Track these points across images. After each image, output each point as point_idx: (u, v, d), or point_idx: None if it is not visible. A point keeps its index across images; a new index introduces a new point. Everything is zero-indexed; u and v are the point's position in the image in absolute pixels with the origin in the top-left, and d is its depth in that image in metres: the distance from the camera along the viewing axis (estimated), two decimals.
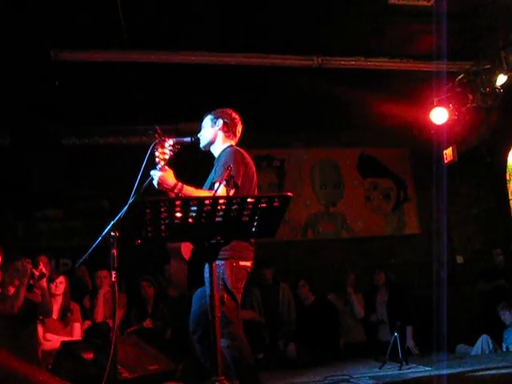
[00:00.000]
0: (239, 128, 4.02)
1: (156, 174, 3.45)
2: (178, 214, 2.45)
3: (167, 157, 3.45)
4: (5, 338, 4.92)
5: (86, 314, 6.41)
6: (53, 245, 7.66)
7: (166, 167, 3.46)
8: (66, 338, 5.61)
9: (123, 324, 6.35)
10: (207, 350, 3.58)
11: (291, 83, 6.83)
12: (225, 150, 3.83)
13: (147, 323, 6.44)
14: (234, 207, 2.46)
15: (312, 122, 8.11)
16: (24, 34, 5.43)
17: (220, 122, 3.93)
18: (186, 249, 3.40)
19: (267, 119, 7.53)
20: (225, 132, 3.94)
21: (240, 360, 3.46)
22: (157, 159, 3.43)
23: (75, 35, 5.60)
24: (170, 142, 3.46)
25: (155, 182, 3.47)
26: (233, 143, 3.95)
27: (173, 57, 6.09)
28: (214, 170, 3.78)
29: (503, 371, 4.74)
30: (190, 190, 3.48)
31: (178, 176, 3.53)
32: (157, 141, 3.44)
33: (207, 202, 2.47)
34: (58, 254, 7.53)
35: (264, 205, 2.48)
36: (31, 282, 5.15)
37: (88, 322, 6.28)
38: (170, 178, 3.47)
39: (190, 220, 2.48)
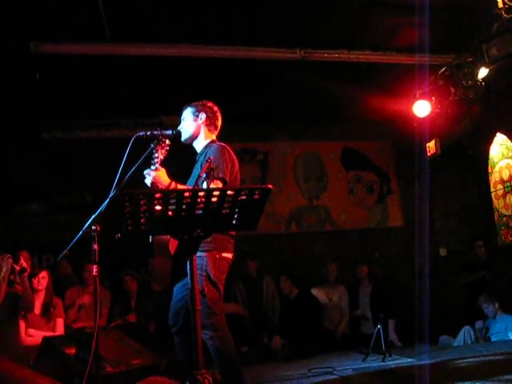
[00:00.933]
0: (220, 121, 4.01)
1: (150, 174, 3.46)
2: (158, 207, 2.43)
3: (162, 157, 3.46)
4: None
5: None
6: (35, 240, 7.59)
7: (160, 167, 3.46)
8: (49, 334, 5.56)
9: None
10: (184, 344, 3.60)
11: (275, 76, 6.83)
12: (210, 145, 3.83)
13: (131, 318, 6.42)
14: (213, 200, 2.44)
15: (295, 115, 8.12)
16: (3, 25, 5.36)
17: (203, 116, 3.91)
18: (173, 244, 3.39)
19: (250, 112, 7.53)
20: (207, 126, 3.92)
21: (223, 351, 3.46)
22: (155, 159, 3.44)
23: (56, 27, 5.53)
24: (168, 141, 3.45)
25: (148, 181, 3.48)
26: (214, 137, 3.94)
27: (155, 50, 6.05)
28: (199, 165, 3.76)
29: (484, 359, 4.80)
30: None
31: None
32: (157, 141, 3.43)
33: (187, 194, 2.45)
34: (40, 249, 7.47)
35: (244, 197, 2.47)
36: (12, 277, 5.10)
37: None
38: (164, 177, 3.49)
39: (170, 213, 2.46)
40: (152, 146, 3.45)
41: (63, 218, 7.81)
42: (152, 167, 3.45)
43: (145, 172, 3.48)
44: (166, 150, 3.47)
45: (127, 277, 6.69)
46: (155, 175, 3.44)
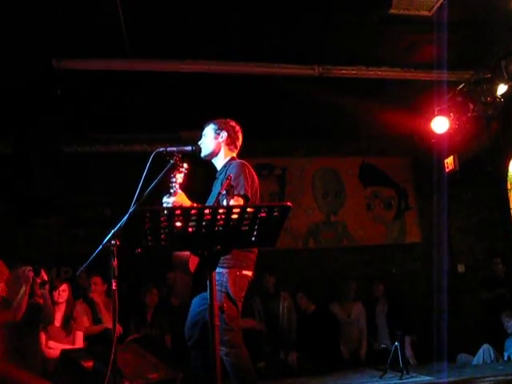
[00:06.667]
0: (240, 141, 4.04)
1: (169, 200, 3.48)
2: (178, 224, 2.45)
3: (181, 180, 3.48)
4: (8, 345, 4.92)
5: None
6: (54, 252, 7.67)
7: (179, 190, 3.48)
8: (69, 346, 5.60)
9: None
10: (200, 357, 3.60)
11: (293, 92, 6.85)
12: (230, 162, 3.86)
13: (148, 331, 6.43)
14: (233, 216, 2.46)
15: (313, 130, 8.12)
16: (26, 42, 5.46)
17: (224, 134, 3.94)
18: (193, 261, 3.41)
19: (269, 128, 7.54)
20: (228, 145, 3.95)
21: (239, 367, 3.47)
22: (172, 184, 3.46)
23: (77, 44, 5.62)
24: (185, 165, 3.48)
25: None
26: (234, 155, 3.97)
27: (174, 65, 6.11)
28: (219, 183, 3.78)
29: (504, 378, 4.74)
30: None
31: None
32: (174, 166, 3.45)
33: (207, 211, 2.48)
34: (58, 261, 7.53)
35: (264, 214, 2.49)
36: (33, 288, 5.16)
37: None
38: (184, 200, 3.50)
39: (190, 229, 2.48)
40: (168, 166, 3.45)
41: (82, 231, 7.88)
42: (171, 191, 3.47)
43: (163, 200, 3.50)
44: (185, 174, 3.49)
45: (148, 291, 6.71)
46: (174, 201, 3.46)
